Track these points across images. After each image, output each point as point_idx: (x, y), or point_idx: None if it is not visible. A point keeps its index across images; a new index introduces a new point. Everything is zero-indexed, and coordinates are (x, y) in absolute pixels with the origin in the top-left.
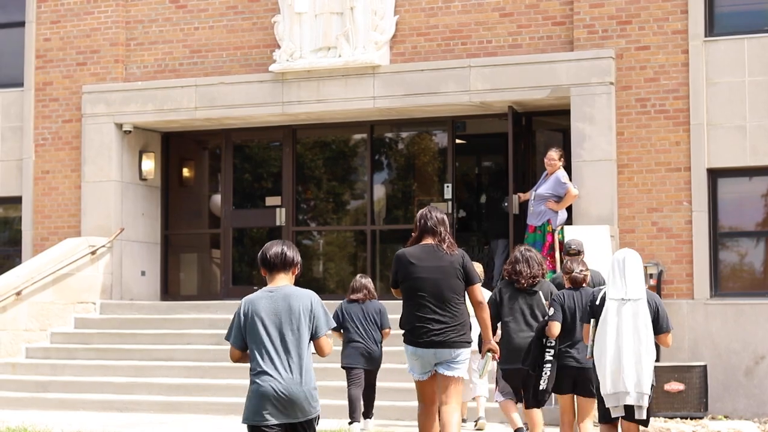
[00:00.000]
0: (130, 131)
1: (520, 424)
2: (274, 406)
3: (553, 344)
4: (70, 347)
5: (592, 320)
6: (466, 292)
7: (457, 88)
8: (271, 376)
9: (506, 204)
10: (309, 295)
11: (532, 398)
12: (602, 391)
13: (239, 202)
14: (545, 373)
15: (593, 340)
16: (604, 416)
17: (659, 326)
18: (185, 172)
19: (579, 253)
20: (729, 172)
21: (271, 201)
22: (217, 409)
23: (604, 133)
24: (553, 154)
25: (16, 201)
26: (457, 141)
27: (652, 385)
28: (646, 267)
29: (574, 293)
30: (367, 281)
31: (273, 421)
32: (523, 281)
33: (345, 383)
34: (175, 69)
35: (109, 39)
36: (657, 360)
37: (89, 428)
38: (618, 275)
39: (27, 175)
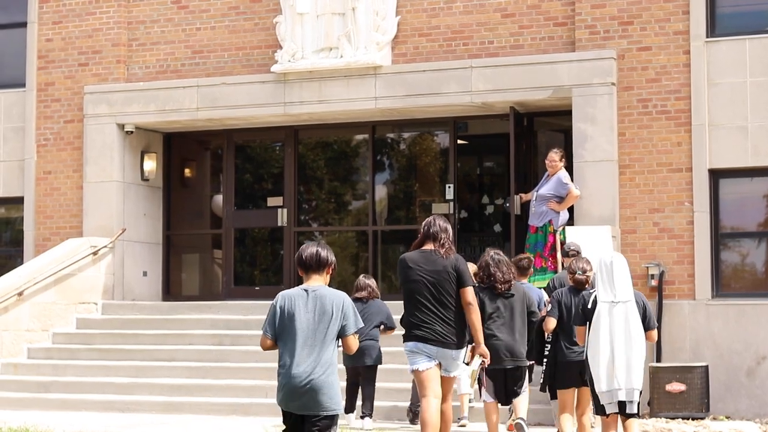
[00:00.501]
0: (132, 132)
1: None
2: (297, 398)
3: (549, 339)
4: (72, 347)
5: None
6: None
7: (459, 88)
8: (296, 370)
9: (507, 204)
10: (341, 297)
11: (506, 397)
12: (597, 389)
13: (241, 202)
14: (542, 367)
15: (587, 342)
16: (601, 410)
17: (646, 324)
18: (187, 172)
19: (578, 254)
20: (730, 173)
21: (272, 201)
22: (218, 410)
23: (606, 134)
24: (554, 156)
25: (18, 201)
26: (459, 141)
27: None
28: (647, 267)
29: (573, 293)
30: (371, 281)
31: (296, 412)
32: (499, 286)
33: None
34: (177, 69)
35: (111, 39)
36: (659, 361)
37: (91, 429)
38: (607, 278)
39: (29, 175)
